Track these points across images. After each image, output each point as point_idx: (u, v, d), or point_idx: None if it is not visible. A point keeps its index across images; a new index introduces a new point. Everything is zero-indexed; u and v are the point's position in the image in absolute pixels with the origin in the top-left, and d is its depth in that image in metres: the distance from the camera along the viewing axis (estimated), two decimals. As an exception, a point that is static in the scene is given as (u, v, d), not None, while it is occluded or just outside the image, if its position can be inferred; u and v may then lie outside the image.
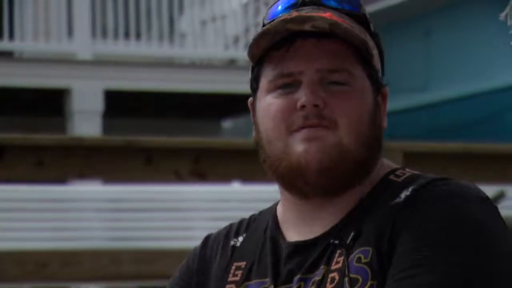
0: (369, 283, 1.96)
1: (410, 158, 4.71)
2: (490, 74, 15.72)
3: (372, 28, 2.17)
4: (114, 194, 7.10)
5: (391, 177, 2.14)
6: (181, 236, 6.51)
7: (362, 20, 2.14)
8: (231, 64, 16.84)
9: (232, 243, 2.23)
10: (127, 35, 16.25)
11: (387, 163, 2.20)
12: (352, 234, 2.04)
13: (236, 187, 7.21)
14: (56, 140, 6.74)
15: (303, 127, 2.08)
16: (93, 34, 16.01)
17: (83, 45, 15.92)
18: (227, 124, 18.60)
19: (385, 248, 1.98)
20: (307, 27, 2.05)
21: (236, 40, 16.72)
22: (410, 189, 2.06)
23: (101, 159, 5.89)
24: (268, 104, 2.13)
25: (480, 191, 2.07)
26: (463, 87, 16.15)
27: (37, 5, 16.09)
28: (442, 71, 16.62)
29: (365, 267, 1.97)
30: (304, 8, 2.11)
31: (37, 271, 5.66)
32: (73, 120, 15.28)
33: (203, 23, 16.74)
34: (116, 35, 16.20)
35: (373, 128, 2.11)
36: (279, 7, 2.15)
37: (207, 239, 2.34)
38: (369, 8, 17.02)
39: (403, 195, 2.05)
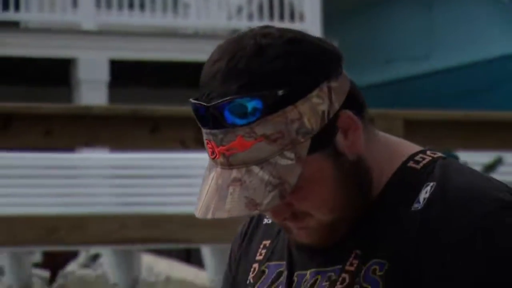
0: None
1: (411, 125, 4.58)
2: (487, 44, 15.77)
3: (290, 83, 1.78)
4: (121, 162, 7.11)
5: (411, 164, 1.95)
6: (186, 202, 6.42)
7: (277, 102, 1.77)
8: (234, 34, 16.90)
9: (265, 221, 2.12)
10: (131, 5, 16.27)
11: (399, 144, 2.01)
12: (368, 241, 1.92)
13: None
14: (64, 109, 6.76)
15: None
16: (98, 4, 16.05)
17: (87, 15, 15.97)
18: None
19: (403, 266, 1.85)
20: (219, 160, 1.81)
21: (239, 10, 16.73)
22: (430, 187, 1.89)
23: (108, 127, 5.85)
24: None
25: (493, 194, 1.87)
26: (463, 57, 16.18)
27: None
28: (444, 41, 16.61)
29: (378, 279, 1.87)
30: (215, 134, 1.78)
31: (47, 235, 5.66)
32: (80, 90, 15.34)
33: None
34: (120, 6, 16.24)
35: (346, 183, 1.87)
36: (194, 109, 1.83)
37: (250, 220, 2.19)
38: None
39: (422, 197, 1.88)
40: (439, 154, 1.96)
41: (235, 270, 2.16)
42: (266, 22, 16.45)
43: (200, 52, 15.62)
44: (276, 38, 1.83)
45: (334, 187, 1.86)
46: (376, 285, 1.86)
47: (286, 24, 16.46)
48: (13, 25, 16.06)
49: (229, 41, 1.88)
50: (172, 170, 7.02)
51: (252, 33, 1.89)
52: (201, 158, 6.68)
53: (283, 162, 1.77)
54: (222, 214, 1.76)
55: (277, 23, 16.49)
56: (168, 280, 8.67)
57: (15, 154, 6.96)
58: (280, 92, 1.76)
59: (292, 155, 1.78)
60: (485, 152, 6.51)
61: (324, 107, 1.81)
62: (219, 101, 1.75)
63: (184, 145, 5.62)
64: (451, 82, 15.86)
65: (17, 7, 15.71)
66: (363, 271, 1.87)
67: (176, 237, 5.86)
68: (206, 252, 7.23)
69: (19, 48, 15.42)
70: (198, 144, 5.46)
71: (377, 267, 1.87)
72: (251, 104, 1.74)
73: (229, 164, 1.77)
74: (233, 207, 1.76)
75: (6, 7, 15.54)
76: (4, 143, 5.64)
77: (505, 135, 5.55)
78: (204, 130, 1.79)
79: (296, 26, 16.49)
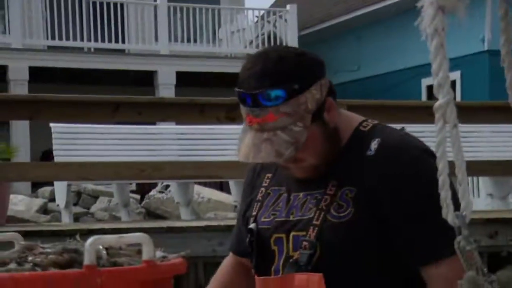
0: (349, 209, 1.79)
1: (352, 109, 4.49)
2: (398, 61, 15.72)
3: (301, 80, 1.77)
4: (182, 130, 7.06)
5: (361, 127, 1.90)
6: (220, 154, 6.39)
7: (292, 95, 1.75)
8: (248, 56, 16.92)
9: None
10: (188, 39, 16.28)
11: (352, 116, 1.95)
12: (341, 175, 1.84)
13: None
14: (149, 99, 6.74)
15: None
16: (170, 39, 16.02)
17: (164, 45, 15.93)
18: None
19: (366, 191, 1.80)
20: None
21: (250, 42, 16.69)
22: (375, 141, 1.84)
23: (175, 110, 5.70)
24: None
25: (415, 141, 1.88)
26: (381, 69, 16.01)
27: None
28: (369, 60, 16.44)
29: (349, 200, 1.80)
30: (251, 109, 1.77)
31: (139, 173, 5.51)
32: (159, 89, 15.37)
33: (232, 33, 16.74)
34: (182, 39, 16.25)
35: (326, 140, 1.84)
36: (238, 94, 1.80)
37: (254, 167, 2.08)
38: (319, 26, 16.93)
39: (372, 147, 1.84)
40: (376, 122, 1.92)
41: (248, 192, 2.05)
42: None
43: (228, 67, 15.65)
44: (289, 51, 1.84)
45: (321, 143, 1.82)
46: (348, 204, 1.80)
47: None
48: (121, 51, 16.07)
49: (258, 53, 1.88)
50: (212, 135, 6.88)
51: (274, 49, 1.93)
52: (229, 129, 6.68)
53: (296, 129, 1.76)
54: (259, 160, 1.80)
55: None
56: (209, 201, 8.61)
57: (120, 126, 7.01)
58: (296, 86, 1.75)
59: (301, 125, 1.77)
60: (395, 124, 6.66)
61: (318, 96, 1.79)
62: (259, 91, 1.74)
63: (219, 121, 5.51)
64: (375, 84, 15.75)
65: (123, 40, 15.72)
66: (339, 194, 1.82)
67: (214, 174, 5.80)
68: (232, 184, 7.07)
69: (124, 64, 15.44)
70: (228, 120, 5.37)
71: (348, 192, 1.81)
72: (277, 93, 1.75)
73: (261, 130, 1.76)
74: (266, 155, 1.76)
75: (117, 39, 15.55)
76: (115, 120, 5.63)
77: (405, 114, 5.52)
78: (244, 108, 1.78)
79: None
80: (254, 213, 1.95)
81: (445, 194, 1.16)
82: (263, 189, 1.98)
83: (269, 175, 1.99)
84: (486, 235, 5.01)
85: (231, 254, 2.12)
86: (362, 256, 1.80)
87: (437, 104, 1.14)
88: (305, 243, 1.81)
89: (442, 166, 1.15)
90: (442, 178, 1.15)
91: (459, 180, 1.16)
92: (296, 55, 1.82)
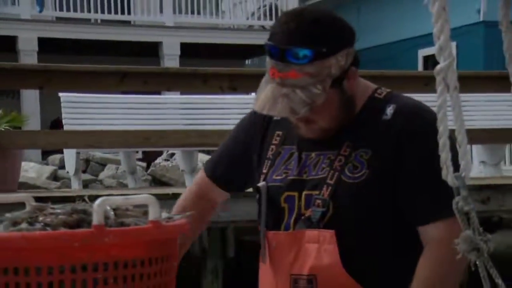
0: (364, 171, 1.78)
1: None
2: (395, 32, 15.67)
3: (328, 44, 1.74)
4: (187, 100, 7.04)
5: (376, 94, 1.88)
6: (222, 123, 6.28)
7: (317, 57, 1.72)
8: (249, 28, 16.82)
9: (274, 118, 1.93)
10: (192, 11, 16.25)
11: (367, 84, 1.92)
12: (355, 137, 1.82)
13: (253, 95, 6.94)
14: (155, 69, 6.76)
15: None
16: (174, 11, 16.02)
17: (169, 17, 15.90)
18: (248, 61, 18.60)
19: (381, 153, 1.78)
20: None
21: (252, 14, 16.65)
22: (391, 107, 1.83)
23: (180, 80, 5.75)
24: None
25: (428, 107, 1.86)
26: (379, 40, 15.97)
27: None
28: (367, 31, 16.35)
29: (364, 161, 1.78)
30: (277, 62, 1.74)
31: (145, 141, 5.56)
32: (164, 60, 15.35)
33: (235, 4, 16.68)
34: (186, 11, 16.19)
35: (341, 107, 1.81)
36: (267, 47, 1.77)
37: (255, 112, 1.95)
38: None
39: (388, 112, 1.82)
40: (389, 90, 1.90)
41: (246, 139, 2.00)
42: (267, 21, 16.35)
43: (231, 39, 15.63)
44: (325, 15, 1.80)
45: (335, 109, 1.80)
46: (363, 165, 1.78)
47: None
48: (127, 22, 16.00)
49: (294, 11, 1.86)
50: (215, 105, 6.85)
51: (311, 9, 1.86)
52: (232, 98, 6.74)
53: (315, 90, 1.72)
54: (273, 113, 1.77)
55: (270, 22, 16.45)
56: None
57: (127, 96, 6.95)
58: (324, 49, 1.72)
59: (321, 88, 1.73)
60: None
61: (343, 63, 1.75)
62: (288, 47, 1.71)
63: (222, 90, 5.50)
64: (373, 55, 15.68)
65: (129, 12, 15.65)
66: (353, 155, 1.80)
67: (218, 143, 5.83)
68: None
69: (130, 35, 15.40)
70: (230, 90, 5.44)
71: (363, 153, 1.79)
72: (305, 53, 1.71)
73: (282, 84, 1.73)
74: (281, 110, 1.74)
75: (123, 11, 15.49)
76: (122, 89, 5.64)
77: (402, 83, 5.52)
78: (270, 60, 1.75)
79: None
80: (264, 171, 1.92)
81: (445, 156, 1.15)
82: (273, 147, 1.94)
83: (279, 132, 1.95)
84: (479, 201, 5.02)
85: (202, 174, 2.09)
86: (375, 217, 1.79)
87: (438, 67, 1.12)
88: (318, 201, 1.79)
89: (442, 129, 1.14)
90: (443, 140, 1.14)
91: (459, 141, 1.14)
92: (331, 19, 1.79)
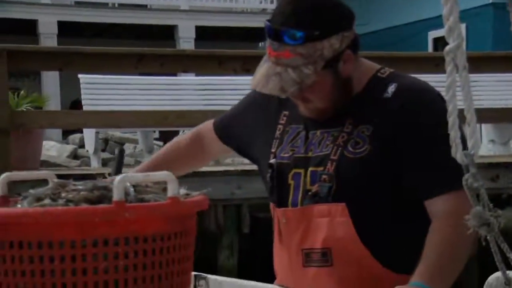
0: (365, 146, 1.78)
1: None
2: (405, 15, 15.56)
3: (322, 28, 1.75)
4: (203, 81, 7.01)
5: (379, 74, 1.88)
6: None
7: (309, 39, 1.74)
8: (263, 11, 16.74)
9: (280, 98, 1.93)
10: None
11: (371, 64, 1.92)
12: (357, 114, 1.83)
13: None
14: (171, 51, 6.80)
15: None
16: None
17: (184, 0, 15.86)
18: (261, 44, 18.54)
19: (382, 129, 1.79)
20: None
21: (266, -3, 16.65)
22: (392, 85, 1.83)
23: (195, 62, 5.69)
24: None
25: (430, 86, 1.87)
26: (390, 23, 15.95)
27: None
28: (377, 14, 16.34)
29: (366, 137, 1.79)
30: (273, 42, 1.76)
31: (162, 121, 5.58)
32: (179, 43, 15.33)
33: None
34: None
35: (335, 89, 1.81)
36: (265, 26, 1.79)
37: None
38: None
39: (390, 90, 1.83)
40: (392, 70, 1.90)
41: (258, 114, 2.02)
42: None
43: (244, 22, 15.58)
44: (324, 1, 1.80)
45: (330, 90, 1.80)
46: (365, 141, 1.79)
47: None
48: (143, 6, 15.97)
49: None
50: (229, 86, 6.80)
51: None
52: (245, 79, 6.68)
53: (306, 71, 1.74)
54: (265, 91, 1.78)
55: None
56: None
57: (144, 77, 6.96)
58: (317, 32, 1.74)
59: (312, 68, 1.74)
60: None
61: (336, 46, 1.76)
62: (283, 28, 1.73)
63: (236, 72, 5.48)
64: (383, 37, 15.63)
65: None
66: (355, 132, 1.81)
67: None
68: None
69: (147, 19, 15.39)
70: (244, 71, 5.35)
71: (365, 129, 1.80)
72: (299, 34, 1.72)
73: (276, 63, 1.75)
74: (272, 88, 1.75)
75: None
76: (139, 70, 5.62)
77: (413, 64, 5.46)
78: (268, 39, 1.77)
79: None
80: (273, 150, 1.92)
81: (454, 134, 1.14)
82: (280, 126, 1.95)
83: (286, 112, 1.96)
84: (488, 179, 5.03)
85: (206, 123, 2.18)
86: (377, 190, 1.80)
87: (447, 47, 1.11)
88: (324, 176, 1.80)
89: (452, 108, 1.14)
90: (452, 119, 1.14)
91: (468, 120, 1.14)
92: (329, 4, 1.80)
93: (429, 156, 1.76)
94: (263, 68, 1.78)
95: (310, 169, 1.84)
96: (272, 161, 1.90)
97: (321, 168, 1.82)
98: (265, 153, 1.95)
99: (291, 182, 1.86)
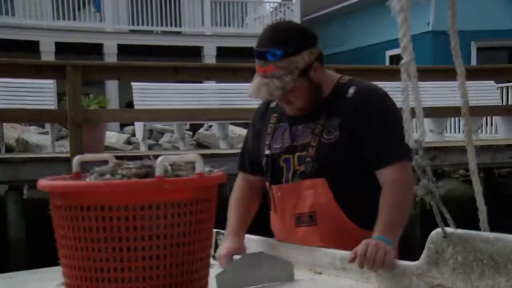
0: (336, 133, 1.75)
1: (339, 71, 4.42)
2: (369, 38, 15.47)
3: (294, 46, 1.72)
4: (221, 87, 6.95)
5: (340, 80, 1.84)
6: (246, 103, 6.04)
7: (286, 55, 1.71)
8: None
9: (271, 106, 1.93)
10: (225, 24, 16.06)
11: (334, 74, 1.87)
12: (328, 110, 1.79)
13: None
14: (199, 65, 6.80)
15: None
16: (212, 23, 15.89)
17: (208, 28, 15.75)
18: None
19: (347, 120, 1.76)
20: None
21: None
22: (352, 88, 1.80)
23: (216, 72, 5.79)
24: None
25: (379, 87, 1.83)
26: (359, 44, 15.82)
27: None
28: (350, 37, 16.26)
29: (336, 126, 1.76)
30: (259, 61, 1.73)
31: (191, 116, 5.54)
32: (205, 59, 15.23)
33: (255, 19, 16.51)
34: (221, 24, 16.02)
35: (310, 91, 1.77)
36: (254, 51, 1.76)
37: (262, 104, 1.98)
38: (316, 14, 16.46)
39: (350, 91, 1.79)
40: (350, 77, 1.87)
41: (258, 127, 1.94)
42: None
43: (253, 43, 15.43)
44: (292, 26, 1.80)
45: (306, 93, 1.78)
46: (335, 129, 1.76)
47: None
48: (178, 32, 15.86)
49: (271, 25, 1.85)
50: (241, 90, 6.53)
51: (282, 23, 1.95)
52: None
53: (286, 79, 1.72)
54: (258, 97, 1.76)
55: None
56: (239, 136, 8.55)
57: (179, 84, 6.83)
58: (291, 50, 1.72)
59: (290, 77, 1.73)
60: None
61: (307, 59, 1.74)
62: (266, 49, 1.72)
63: (246, 80, 5.26)
64: (354, 55, 15.56)
65: (180, 25, 15.50)
66: (328, 123, 1.78)
67: (243, 117, 5.71)
68: None
69: (181, 42, 15.32)
70: (252, 79, 5.40)
71: (335, 121, 1.77)
72: (278, 52, 1.72)
73: (263, 76, 1.73)
74: (263, 94, 1.74)
75: (176, 24, 15.33)
76: (175, 79, 5.61)
77: (374, 75, 5.36)
78: (256, 59, 1.76)
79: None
80: (267, 143, 1.89)
81: (407, 126, 1.12)
82: (271, 125, 1.91)
83: (275, 115, 1.92)
84: (427, 159, 5.03)
85: (242, 174, 1.99)
86: (348, 166, 1.78)
87: (402, 61, 1.09)
88: (308, 158, 1.78)
89: (405, 106, 1.12)
90: (406, 115, 1.12)
91: (417, 115, 1.12)
92: (296, 29, 1.79)
93: (379, 136, 1.73)
94: (254, 81, 1.76)
95: (297, 154, 1.82)
96: (267, 152, 1.88)
97: (305, 153, 1.80)
98: (263, 146, 1.92)
99: (283, 165, 1.84)
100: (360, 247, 1.56)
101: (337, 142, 1.76)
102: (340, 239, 1.74)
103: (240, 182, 1.99)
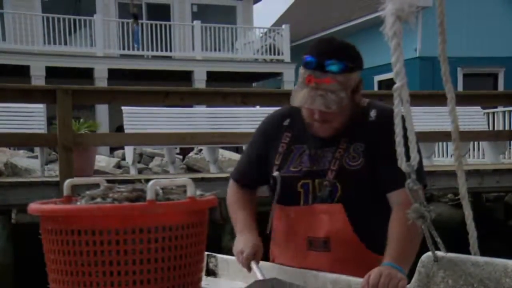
0: (361, 159, 1.69)
1: None
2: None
3: (353, 63, 1.68)
4: (212, 111, 6.95)
5: (360, 104, 1.75)
6: (236, 127, 6.23)
7: (346, 69, 1.66)
8: (255, 60, 16.69)
9: (284, 123, 1.82)
10: (215, 49, 16.09)
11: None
12: (350, 134, 1.72)
13: (259, 108, 6.87)
14: (188, 89, 6.75)
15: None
16: (202, 48, 15.94)
17: (199, 52, 15.81)
18: (254, 84, 18.49)
19: (372, 145, 1.70)
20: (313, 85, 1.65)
21: (257, 50, 16.53)
22: (373, 111, 1.74)
23: (206, 97, 5.68)
24: None
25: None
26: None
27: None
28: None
29: (360, 152, 1.69)
30: (315, 72, 1.65)
31: (181, 140, 5.55)
32: (195, 84, 15.21)
33: (245, 44, 16.57)
34: (211, 49, 16.10)
35: (351, 112, 1.71)
36: (307, 60, 1.67)
37: (275, 116, 1.85)
38: (304, 40, 16.43)
39: (372, 115, 1.73)
40: (367, 99, 1.78)
41: (271, 135, 1.82)
42: (268, 55, 16.24)
43: (242, 68, 15.50)
44: (346, 42, 1.72)
45: (348, 113, 1.71)
46: (360, 155, 1.70)
47: (274, 56, 16.30)
48: (169, 57, 15.92)
49: (326, 38, 1.74)
50: (231, 114, 6.75)
51: (338, 40, 1.75)
52: (243, 110, 6.52)
53: (342, 94, 1.65)
54: (313, 106, 1.65)
55: (270, 56, 16.36)
56: (229, 159, 8.52)
57: (169, 108, 6.85)
58: (352, 65, 1.67)
59: (345, 94, 1.66)
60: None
61: (358, 79, 1.69)
62: (327, 60, 1.64)
63: (236, 104, 5.42)
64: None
65: (170, 50, 15.56)
66: (351, 148, 1.71)
67: (233, 141, 5.75)
68: (245, 147, 7.02)
69: (171, 66, 15.33)
70: (242, 104, 5.31)
71: (359, 146, 1.71)
72: (339, 66, 1.65)
73: (316, 88, 1.64)
74: (318, 104, 1.63)
75: (166, 49, 15.37)
76: (165, 103, 5.58)
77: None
78: (306, 70, 1.66)
79: (279, 57, 16.30)
80: (277, 163, 1.78)
81: (400, 150, 1.12)
82: (284, 144, 1.79)
83: (289, 134, 1.80)
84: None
85: (233, 181, 1.91)
86: (367, 193, 1.71)
87: (395, 86, 1.09)
88: (325, 182, 1.71)
89: (398, 131, 1.12)
90: (398, 139, 1.12)
91: (410, 139, 1.12)
92: (352, 47, 1.73)
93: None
94: (304, 91, 1.65)
95: (317, 180, 1.73)
96: (275, 174, 1.77)
97: (324, 177, 1.72)
98: (272, 161, 1.81)
99: (300, 189, 1.75)
100: (372, 277, 1.50)
101: (361, 169, 1.69)
102: (352, 265, 1.69)
103: (234, 188, 1.91)
